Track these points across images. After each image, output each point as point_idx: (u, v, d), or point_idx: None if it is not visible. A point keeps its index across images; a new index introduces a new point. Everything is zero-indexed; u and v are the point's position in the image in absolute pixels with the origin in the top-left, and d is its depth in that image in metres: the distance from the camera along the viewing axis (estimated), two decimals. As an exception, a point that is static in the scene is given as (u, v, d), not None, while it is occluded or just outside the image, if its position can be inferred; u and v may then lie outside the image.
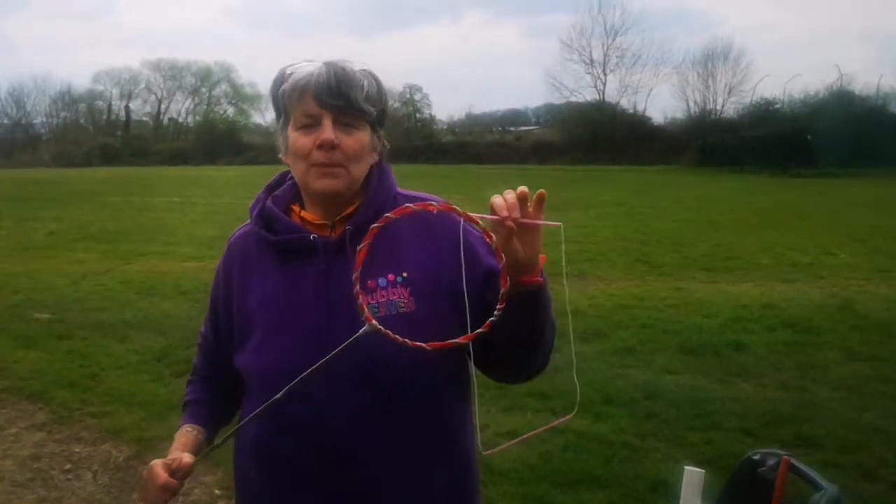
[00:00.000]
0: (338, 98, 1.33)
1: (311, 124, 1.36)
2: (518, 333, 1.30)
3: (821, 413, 4.43)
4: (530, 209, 1.18)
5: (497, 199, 1.19)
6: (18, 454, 4.05)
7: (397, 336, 1.21)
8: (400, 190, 1.48)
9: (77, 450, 4.11)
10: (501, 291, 1.18)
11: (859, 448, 3.93)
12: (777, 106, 36.55)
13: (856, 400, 4.67)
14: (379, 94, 1.39)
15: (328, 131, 1.34)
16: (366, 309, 1.23)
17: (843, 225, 13.26)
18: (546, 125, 50.18)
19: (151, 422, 4.42)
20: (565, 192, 20.96)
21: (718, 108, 42.21)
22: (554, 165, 36.68)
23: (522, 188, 1.18)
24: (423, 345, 1.20)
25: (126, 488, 3.69)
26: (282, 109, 1.41)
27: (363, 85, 1.36)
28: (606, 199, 18.78)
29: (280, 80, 1.40)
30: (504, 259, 1.19)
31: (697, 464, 1.67)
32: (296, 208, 1.46)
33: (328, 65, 1.35)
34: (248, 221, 1.50)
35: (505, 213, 1.16)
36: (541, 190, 1.19)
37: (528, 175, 29.54)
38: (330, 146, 1.34)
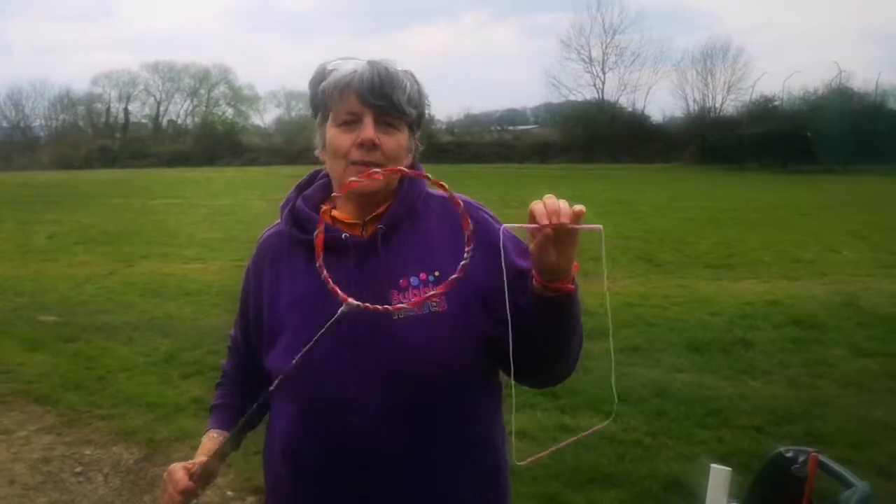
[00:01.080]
0: (381, 98, 1.33)
1: (351, 122, 1.35)
2: (546, 339, 1.29)
3: (830, 410, 4.43)
4: (567, 220, 1.15)
5: (537, 206, 1.16)
6: (29, 457, 4.04)
7: (377, 306, 1.22)
8: (430, 190, 1.47)
9: (87, 452, 4.10)
10: (466, 235, 1.19)
11: (870, 444, 3.93)
12: (776, 103, 36.57)
13: (865, 396, 4.67)
14: (419, 97, 1.39)
15: (369, 130, 1.33)
16: (338, 291, 1.24)
17: (844, 222, 13.25)
18: (545, 124, 50.11)
19: (161, 423, 4.41)
20: (565, 190, 20.86)
21: (718, 105, 42.30)
22: (553, 164, 36.67)
23: (579, 207, 1.16)
24: (404, 304, 1.24)
25: (137, 490, 3.68)
26: (320, 106, 1.40)
27: (406, 86, 1.35)
28: (607, 197, 18.77)
29: (320, 76, 1.39)
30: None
31: (710, 461, 1.68)
32: (326, 207, 1.45)
33: (372, 63, 1.34)
34: (278, 221, 1.49)
35: (545, 221, 1.14)
36: (580, 206, 1.17)
37: (528, 174, 29.54)
38: (371, 145, 1.33)
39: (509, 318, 1.19)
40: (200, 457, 1.47)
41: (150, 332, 6.47)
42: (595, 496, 3.47)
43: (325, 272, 1.23)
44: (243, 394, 1.57)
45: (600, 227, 1.18)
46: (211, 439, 1.52)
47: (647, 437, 4.10)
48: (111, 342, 6.20)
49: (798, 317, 6.59)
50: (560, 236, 1.15)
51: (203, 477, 1.43)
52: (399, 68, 1.37)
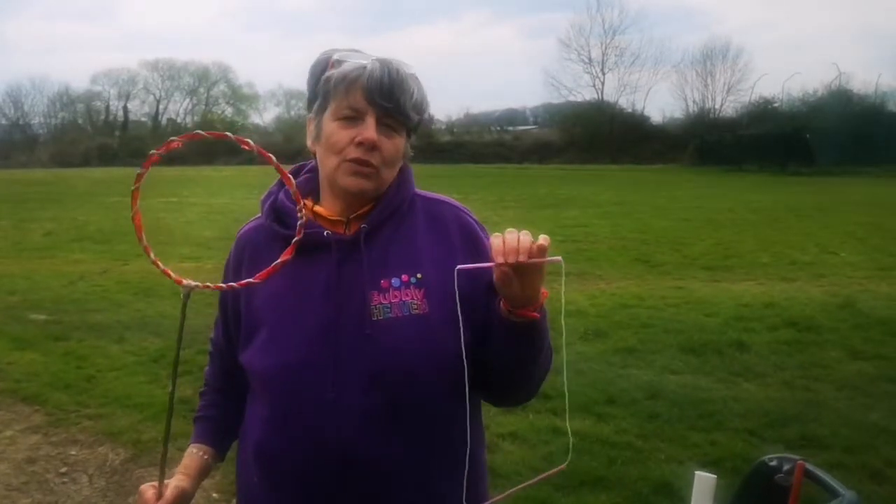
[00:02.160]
0: (388, 99, 1.28)
1: (352, 118, 1.30)
2: (509, 360, 1.29)
3: (825, 413, 4.39)
4: (524, 258, 1.14)
5: (496, 241, 1.15)
6: (13, 457, 4.00)
7: (221, 285, 1.25)
8: (418, 191, 1.43)
9: (73, 453, 4.05)
10: None
11: (865, 448, 3.89)
12: (775, 105, 36.54)
13: (860, 399, 4.63)
14: (423, 103, 1.35)
15: (371, 131, 1.28)
16: (171, 273, 1.23)
17: (842, 223, 13.22)
18: (544, 125, 50.09)
19: (148, 424, 4.37)
20: (564, 191, 20.94)
21: (717, 106, 42.33)
22: (552, 165, 36.64)
23: (542, 241, 1.14)
24: (253, 280, 1.24)
25: (122, 492, 3.63)
26: (321, 95, 1.34)
27: (413, 91, 1.31)
28: (605, 198, 18.75)
29: (324, 64, 1.34)
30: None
31: (702, 465, 1.65)
32: (308, 202, 1.40)
33: (383, 62, 1.30)
34: (258, 215, 1.44)
35: (500, 259, 1.14)
36: (543, 238, 1.15)
37: (527, 175, 29.52)
38: (371, 146, 1.29)
39: (465, 360, 1.20)
40: (178, 475, 1.42)
41: (141, 332, 6.42)
42: (586, 500, 3.42)
43: (151, 255, 1.24)
44: (225, 402, 1.52)
45: (560, 259, 1.16)
46: (189, 455, 1.47)
47: (638, 439, 4.05)
48: (102, 341, 6.15)
49: (794, 319, 6.56)
50: (522, 270, 1.15)
51: (174, 499, 1.37)
52: (408, 71, 1.32)
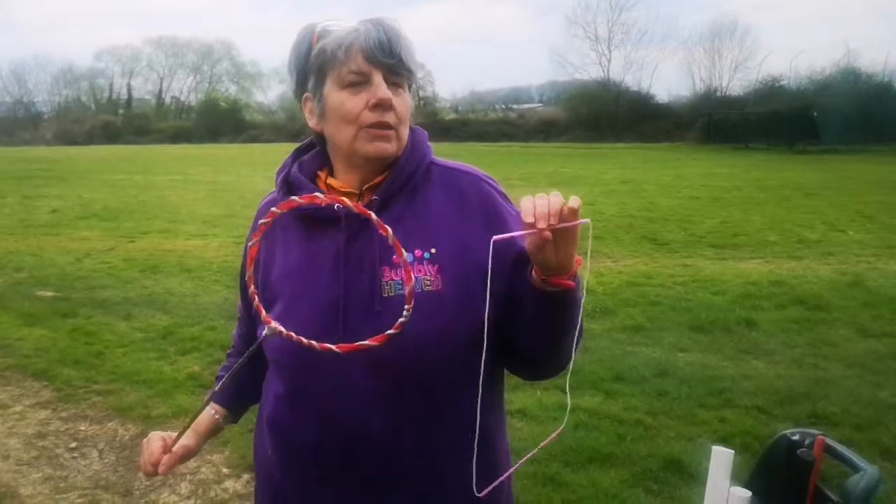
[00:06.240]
0: (390, 55, 1.24)
1: (359, 83, 1.25)
2: (543, 334, 1.22)
3: (835, 390, 4.38)
4: (555, 220, 1.06)
5: (527, 204, 1.07)
6: (24, 432, 4.02)
7: (302, 338, 1.13)
8: (435, 158, 1.38)
9: (83, 428, 4.07)
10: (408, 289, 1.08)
11: (875, 425, 3.88)
12: (783, 83, 36.30)
13: (869, 377, 4.62)
14: (417, 57, 1.31)
15: (384, 89, 1.24)
16: (262, 310, 1.17)
17: (850, 202, 13.16)
18: (549, 103, 49.88)
19: (157, 400, 4.38)
20: (570, 169, 20.87)
21: (724, 84, 41.99)
22: (558, 143, 36.49)
23: (574, 203, 1.06)
24: (332, 347, 1.11)
25: (132, 466, 3.64)
26: (314, 70, 1.29)
27: (410, 45, 1.27)
28: (611, 176, 18.68)
29: (309, 39, 1.28)
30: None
31: (712, 442, 1.63)
32: (322, 175, 1.37)
33: (374, 21, 1.25)
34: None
35: (531, 219, 1.05)
36: (574, 199, 1.08)
37: (533, 153, 29.40)
38: (388, 105, 1.24)
39: (485, 339, 1.11)
40: (190, 431, 1.41)
41: (148, 308, 6.43)
42: (595, 476, 3.42)
43: (252, 286, 1.21)
44: (248, 365, 1.51)
45: (588, 221, 1.09)
46: (204, 413, 1.48)
47: (647, 416, 4.05)
48: (110, 318, 6.16)
49: (803, 297, 6.53)
50: (555, 234, 1.07)
51: (180, 458, 1.38)
52: (399, 25, 1.27)
